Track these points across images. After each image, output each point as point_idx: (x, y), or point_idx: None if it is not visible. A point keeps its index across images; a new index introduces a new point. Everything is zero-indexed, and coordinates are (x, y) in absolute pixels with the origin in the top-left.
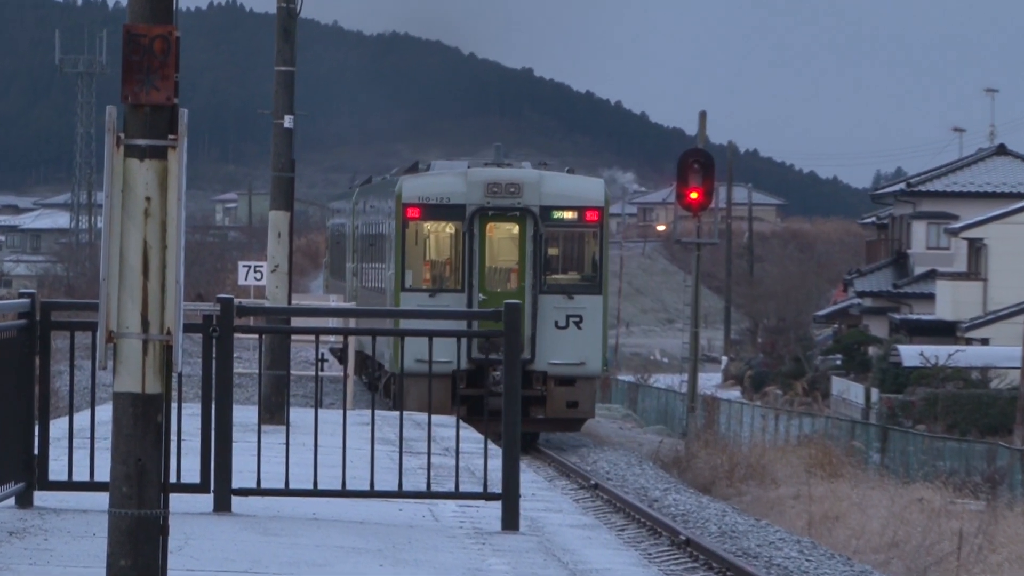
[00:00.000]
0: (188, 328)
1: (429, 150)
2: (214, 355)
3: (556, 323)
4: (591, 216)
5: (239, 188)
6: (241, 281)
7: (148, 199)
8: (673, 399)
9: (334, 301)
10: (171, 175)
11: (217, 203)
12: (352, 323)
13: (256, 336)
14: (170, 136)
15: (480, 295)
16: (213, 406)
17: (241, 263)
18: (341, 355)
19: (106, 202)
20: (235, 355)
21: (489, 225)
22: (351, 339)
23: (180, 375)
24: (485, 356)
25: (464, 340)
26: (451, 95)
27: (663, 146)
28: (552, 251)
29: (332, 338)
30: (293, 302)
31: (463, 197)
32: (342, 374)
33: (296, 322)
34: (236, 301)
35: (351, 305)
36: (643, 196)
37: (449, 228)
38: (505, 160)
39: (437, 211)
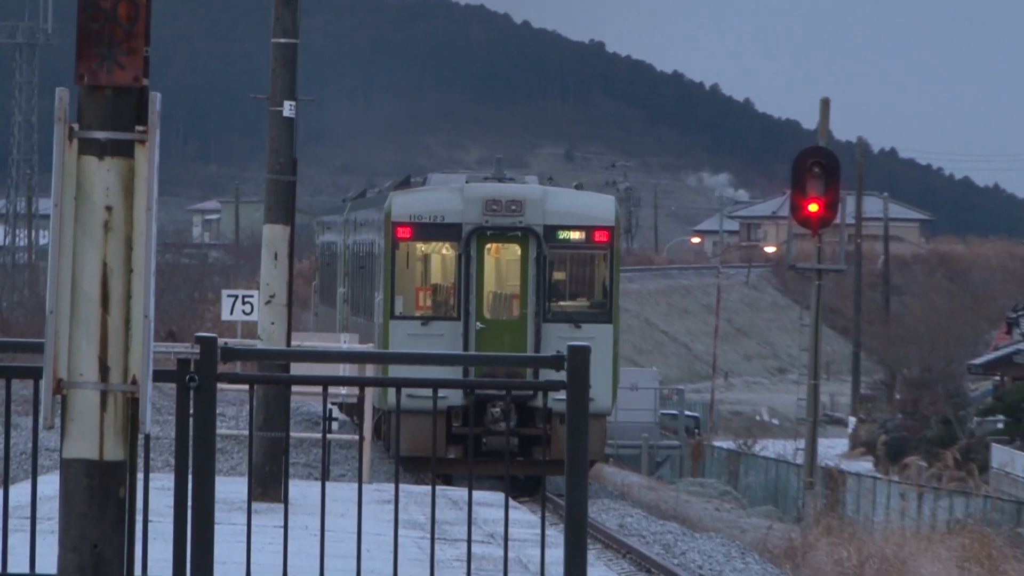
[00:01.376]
0: (159, 376)
1: (468, 146)
2: (191, 411)
3: None
4: (600, 236)
5: (223, 195)
6: (225, 315)
7: (109, 208)
8: (785, 472)
9: (346, 341)
10: (139, 177)
11: (195, 214)
12: (370, 371)
13: (246, 387)
14: (138, 128)
15: (478, 323)
16: (190, 477)
17: (226, 292)
18: (353, 411)
19: (54, 212)
20: (219, 412)
21: (488, 246)
22: (369, 392)
23: (148, 437)
24: (483, 391)
25: (460, 373)
26: (498, 75)
27: (773, 143)
28: (557, 275)
29: (343, 390)
30: (294, 343)
31: (459, 215)
32: (356, 436)
33: (298, 369)
34: (220, 341)
35: (368, 347)
36: (746, 207)
37: (444, 249)
38: (507, 175)
39: (430, 230)
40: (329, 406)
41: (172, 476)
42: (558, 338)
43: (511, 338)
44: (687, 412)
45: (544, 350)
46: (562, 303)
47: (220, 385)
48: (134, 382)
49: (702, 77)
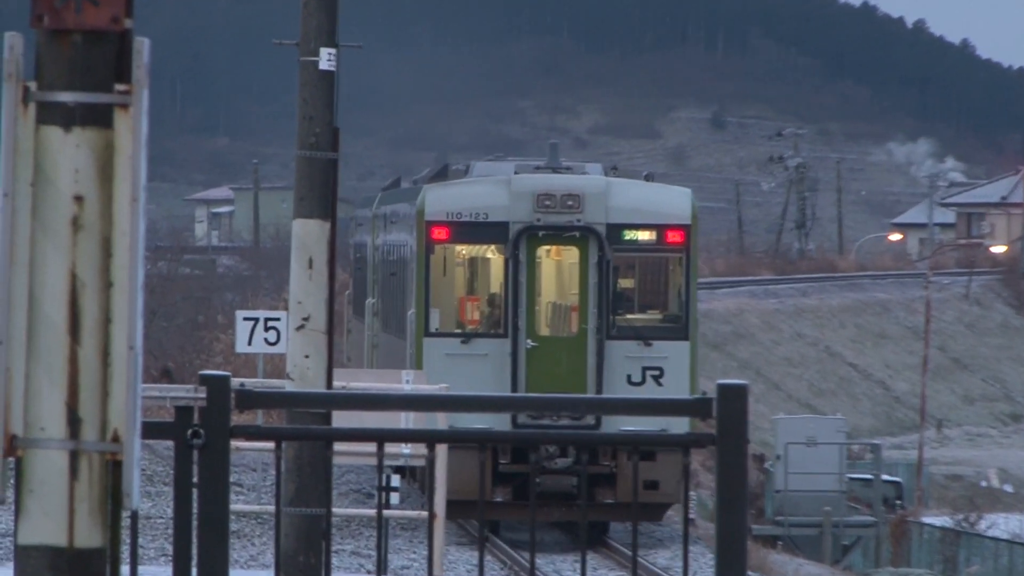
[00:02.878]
0: (150, 431)
1: (578, 110)
2: (196, 480)
3: (629, 378)
4: (674, 237)
5: (236, 179)
6: (241, 347)
7: (79, 199)
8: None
9: (410, 381)
10: (120, 156)
11: (198, 205)
12: (443, 421)
13: (271, 445)
14: (118, 87)
15: (529, 341)
16: (194, 570)
17: (241, 314)
18: (417, 478)
19: (3, 204)
20: (233, 480)
21: (540, 249)
22: (442, 452)
23: (136, 516)
24: (535, 421)
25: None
26: (619, 14)
27: (1002, 101)
28: (624, 283)
29: (405, 448)
30: (337, 383)
31: (505, 212)
32: (423, 513)
33: (342, 420)
34: (235, 382)
35: (440, 389)
36: (965, 191)
37: (488, 253)
38: (562, 164)
39: (472, 231)
40: (387, 471)
41: (170, 569)
42: (625, 358)
43: (568, 358)
44: (885, 476)
45: (608, 373)
46: (629, 316)
47: (235, 443)
48: (115, 439)
49: (902, 11)
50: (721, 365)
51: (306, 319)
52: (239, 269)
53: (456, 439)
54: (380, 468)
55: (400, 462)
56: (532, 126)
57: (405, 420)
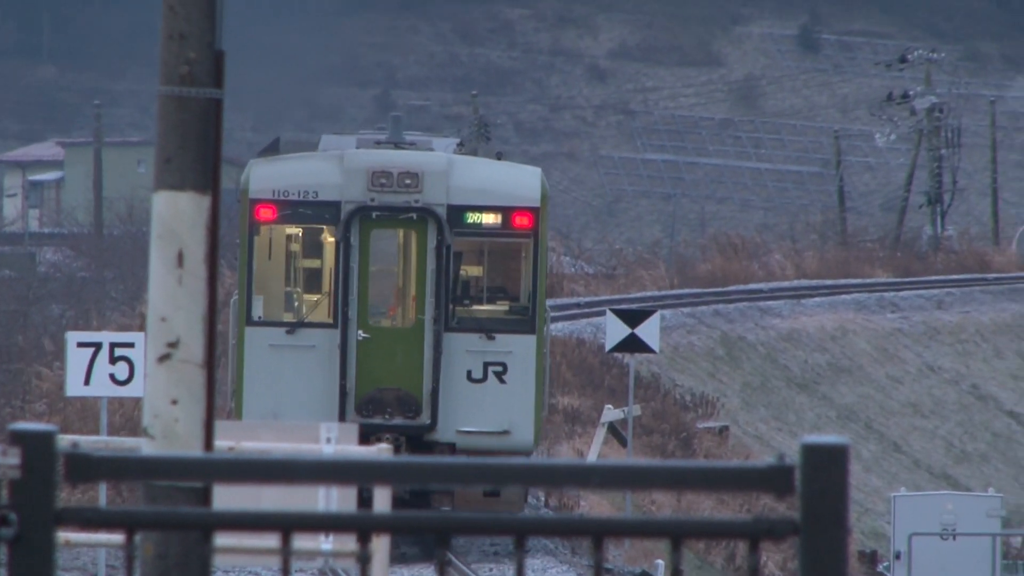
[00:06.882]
0: None
1: (596, 24)
2: None
3: (469, 374)
4: (522, 220)
5: (68, 130)
6: (75, 388)
7: None
8: None
9: (332, 440)
10: None
11: (9, 170)
12: (385, 499)
13: (120, 537)
14: None
15: (360, 332)
16: None
17: (74, 337)
18: None
19: None
20: None
21: (375, 232)
22: (382, 546)
23: None
24: (369, 421)
25: (334, 401)
26: None
27: None
28: (468, 271)
29: (326, 542)
30: (221, 443)
31: (337, 191)
32: None
33: (227, 498)
34: (64, 441)
35: (380, 451)
36: None
37: (319, 235)
38: (405, 139)
39: (300, 210)
40: (297, 575)
41: None
42: (465, 352)
43: (403, 351)
44: None
45: (447, 369)
46: (473, 307)
47: (64, 533)
48: None
49: None
50: (812, 415)
51: (174, 345)
52: (71, 269)
53: (402, 527)
54: (286, 572)
55: (317, 563)
56: (525, 48)
57: (325, 499)
